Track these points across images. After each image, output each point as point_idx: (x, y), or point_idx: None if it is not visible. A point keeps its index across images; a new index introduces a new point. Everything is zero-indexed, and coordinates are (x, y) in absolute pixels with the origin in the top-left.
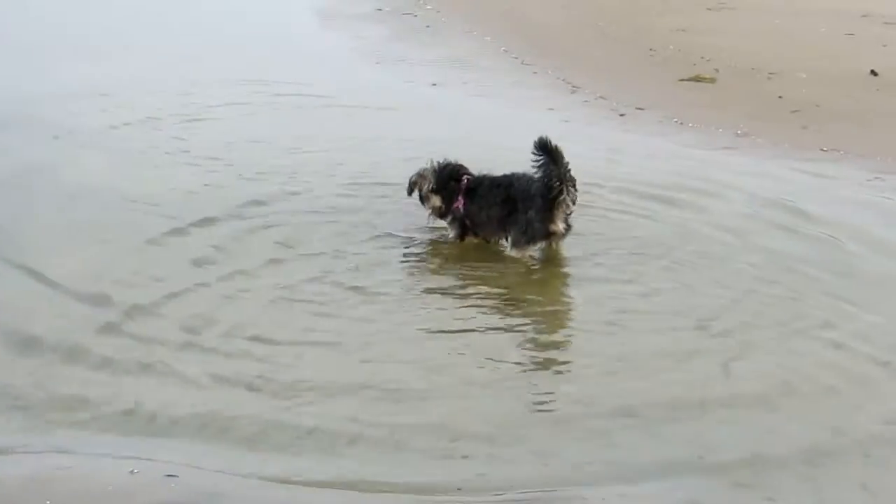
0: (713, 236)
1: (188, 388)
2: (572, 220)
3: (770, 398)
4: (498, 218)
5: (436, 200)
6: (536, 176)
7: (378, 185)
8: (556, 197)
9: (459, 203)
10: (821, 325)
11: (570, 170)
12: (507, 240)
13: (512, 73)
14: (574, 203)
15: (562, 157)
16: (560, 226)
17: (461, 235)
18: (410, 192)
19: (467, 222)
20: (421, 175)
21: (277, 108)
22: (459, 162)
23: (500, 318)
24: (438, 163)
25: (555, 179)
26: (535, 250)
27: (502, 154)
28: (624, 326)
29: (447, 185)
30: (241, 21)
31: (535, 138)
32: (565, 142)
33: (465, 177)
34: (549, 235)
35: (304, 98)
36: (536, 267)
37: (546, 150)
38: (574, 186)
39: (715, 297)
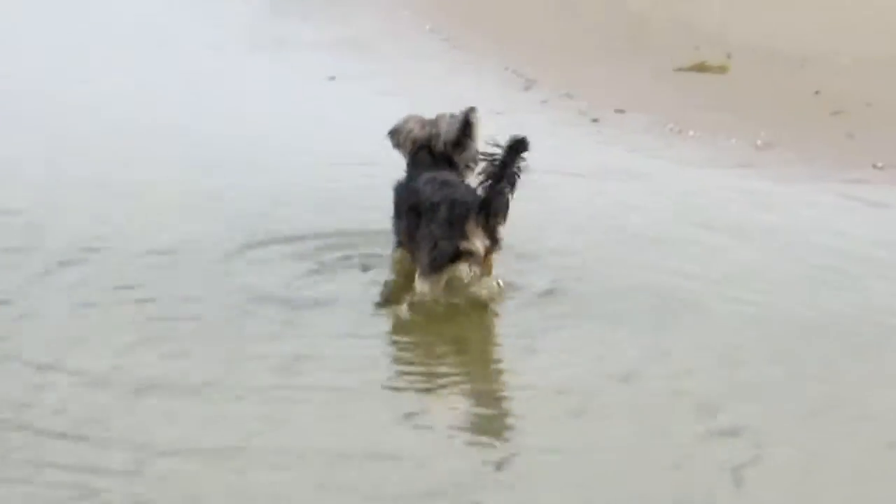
0: (722, 292)
1: None
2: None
3: None
4: (408, 233)
5: None
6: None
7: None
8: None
9: None
10: (862, 414)
11: (511, 183)
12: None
13: (440, 60)
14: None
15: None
16: (476, 243)
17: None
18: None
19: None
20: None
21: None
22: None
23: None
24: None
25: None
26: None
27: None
28: (593, 418)
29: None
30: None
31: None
32: None
33: None
34: (459, 256)
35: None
36: (465, 324)
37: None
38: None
39: (722, 376)
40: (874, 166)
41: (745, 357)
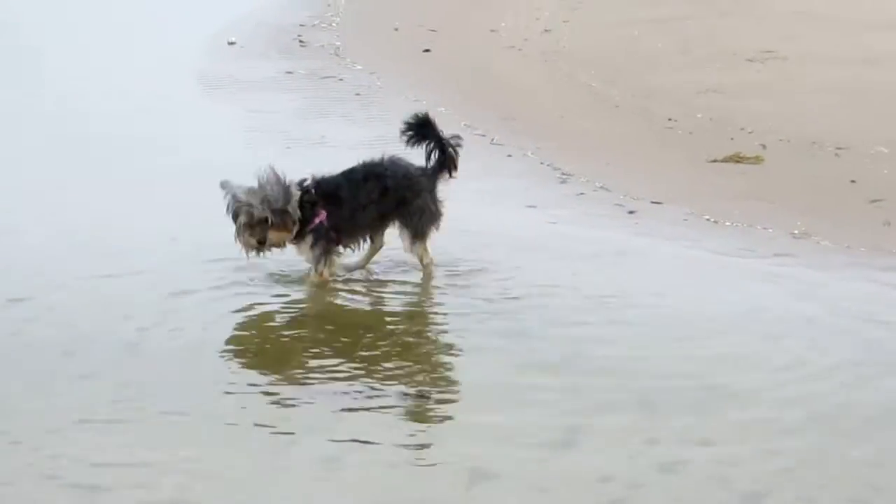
0: (763, 379)
1: None
2: None
3: None
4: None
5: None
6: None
7: None
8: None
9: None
10: None
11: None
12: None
13: (477, 156)
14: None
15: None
16: None
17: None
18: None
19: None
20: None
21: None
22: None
23: None
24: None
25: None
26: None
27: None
28: (633, 503)
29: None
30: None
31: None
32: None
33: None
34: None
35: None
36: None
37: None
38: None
39: (763, 463)
40: None
41: (789, 444)
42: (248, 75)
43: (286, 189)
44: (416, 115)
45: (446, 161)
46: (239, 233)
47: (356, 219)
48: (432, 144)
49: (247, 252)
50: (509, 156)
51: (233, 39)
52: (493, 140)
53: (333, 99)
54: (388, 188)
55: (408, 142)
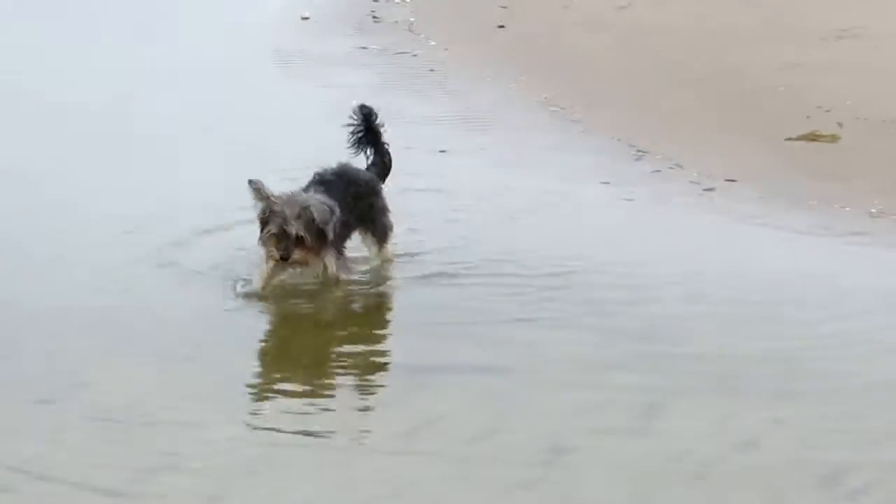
0: (843, 359)
1: None
2: None
3: None
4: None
5: None
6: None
7: None
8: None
9: None
10: None
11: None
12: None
13: (552, 132)
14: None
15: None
16: None
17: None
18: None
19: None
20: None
21: None
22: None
23: None
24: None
25: None
26: None
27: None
28: (710, 480)
29: None
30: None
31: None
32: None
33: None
34: None
35: None
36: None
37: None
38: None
39: (842, 443)
40: None
41: (869, 424)
42: (322, 50)
43: (329, 209)
44: (362, 109)
45: (384, 166)
46: (264, 242)
47: (347, 227)
48: (372, 147)
49: (267, 261)
50: (584, 132)
51: (306, 14)
52: (567, 116)
53: (408, 75)
54: (360, 194)
55: (354, 140)
